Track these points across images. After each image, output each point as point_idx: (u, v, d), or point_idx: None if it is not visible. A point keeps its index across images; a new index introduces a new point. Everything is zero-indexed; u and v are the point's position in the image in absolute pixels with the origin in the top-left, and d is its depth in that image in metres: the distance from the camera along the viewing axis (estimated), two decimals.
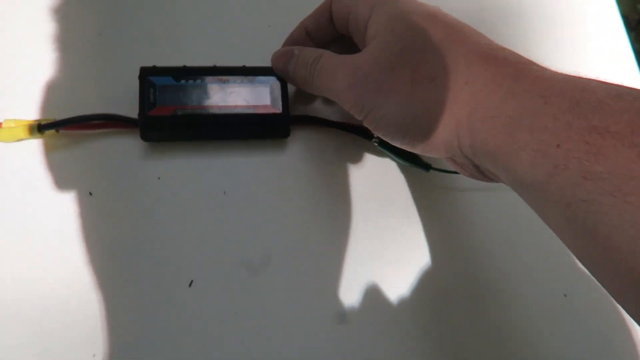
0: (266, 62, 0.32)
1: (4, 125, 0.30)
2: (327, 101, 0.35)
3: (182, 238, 0.30)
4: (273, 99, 0.30)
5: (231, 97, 0.30)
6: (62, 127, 0.29)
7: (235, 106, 0.30)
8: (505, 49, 0.24)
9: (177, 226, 0.30)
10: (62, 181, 0.30)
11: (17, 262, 0.28)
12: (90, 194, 0.30)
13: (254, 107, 0.30)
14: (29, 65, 0.32)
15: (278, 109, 0.30)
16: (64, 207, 0.29)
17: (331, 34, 0.31)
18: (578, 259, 0.21)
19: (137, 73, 0.29)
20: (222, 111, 0.29)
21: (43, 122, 0.29)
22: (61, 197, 0.30)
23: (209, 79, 0.29)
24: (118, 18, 0.34)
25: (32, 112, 0.31)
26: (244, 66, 0.31)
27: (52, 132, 0.30)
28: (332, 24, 0.31)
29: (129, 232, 0.30)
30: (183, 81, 0.29)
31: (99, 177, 0.30)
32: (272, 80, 0.31)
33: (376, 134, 0.27)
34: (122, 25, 0.34)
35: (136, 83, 0.29)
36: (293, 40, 0.32)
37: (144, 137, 0.29)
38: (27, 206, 0.29)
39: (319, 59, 0.28)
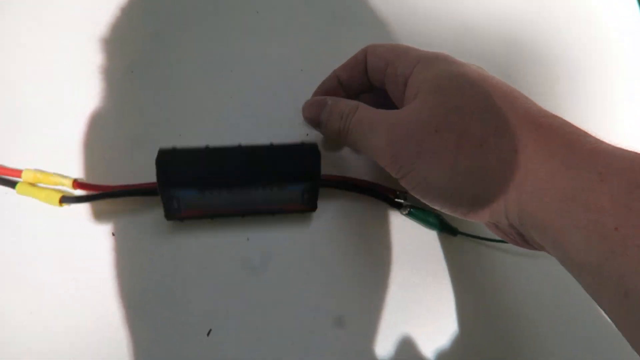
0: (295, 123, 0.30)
1: (23, 176, 0.29)
2: (356, 157, 0.33)
3: (203, 291, 0.31)
4: (304, 200, 0.28)
5: (261, 202, 0.28)
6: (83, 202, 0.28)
7: (265, 208, 0.29)
8: (556, 116, 0.23)
9: (198, 280, 0.31)
10: (86, 224, 0.30)
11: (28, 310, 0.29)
12: (113, 234, 0.30)
13: (284, 206, 0.29)
14: (52, 113, 0.30)
15: (309, 207, 0.29)
16: (88, 250, 0.30)
17: (364, 86, 0.30)
18: (635, 349, 0.19)
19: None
20: (251, 210, 0.29)
21: (64, 196, 0.28)
22: (84, 238, 0.30)
23: (236, 190, 0.27)
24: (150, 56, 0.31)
25: (52, 163, 0.29)
26: (271, 144, 0.27)
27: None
28: (366, 75, 0.29)
29: (150, 281, 0.30)
30: (208, 193, 0.26)
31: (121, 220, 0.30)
32: (305, 185, 0.28)
33: (413, 195, 0.26)
34: (152, 63, 0.32)
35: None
36: (324, 89, 0.31)
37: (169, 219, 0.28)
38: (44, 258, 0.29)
39: (354, 110, 0.27)
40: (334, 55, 0.31)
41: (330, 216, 0.32)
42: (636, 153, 0.19)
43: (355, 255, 0.32)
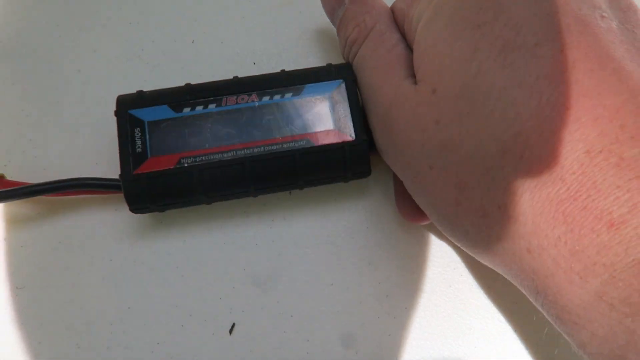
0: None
1: None
2: None
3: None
4: (337, 120, 0.18)
5: (269, 126, 0.18)
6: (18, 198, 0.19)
7: (279, 140, 0.18)
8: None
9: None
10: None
11: None
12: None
13: (309, 136, 0.18)
14: None
15: (349, 135, 0.18)
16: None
17: None
18: None
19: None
20: (258, 151, 0.18)
21: None
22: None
23: (230, 99, 0.18)
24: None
25: None
26: (283, 71, 0.19)
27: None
28: None
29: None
30: (187, 110, 0.17)
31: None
32: (334, 87, 0.18)
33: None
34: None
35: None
36: None
37: (134, 208, 0.18)
38: None
39: (362, 41, 0.19)
40: None
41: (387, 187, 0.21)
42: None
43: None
